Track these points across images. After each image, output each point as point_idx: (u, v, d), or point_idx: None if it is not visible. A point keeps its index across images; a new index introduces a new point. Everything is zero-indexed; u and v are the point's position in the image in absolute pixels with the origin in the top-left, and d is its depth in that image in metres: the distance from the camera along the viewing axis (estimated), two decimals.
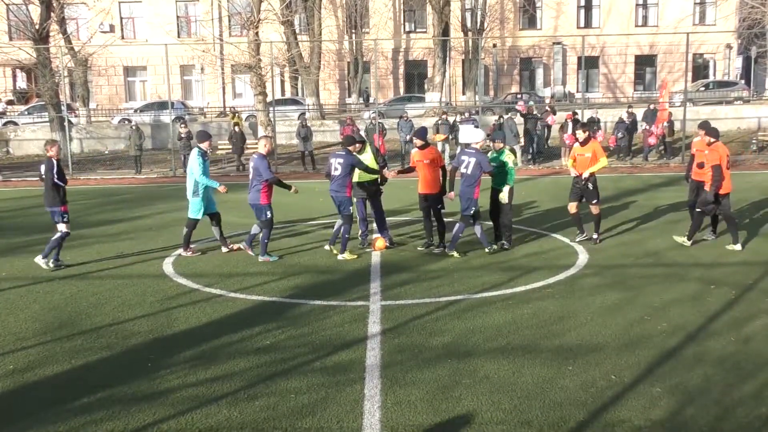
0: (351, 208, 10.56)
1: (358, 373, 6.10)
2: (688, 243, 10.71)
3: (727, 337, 6.83)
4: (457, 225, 10.41)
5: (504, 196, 10.57)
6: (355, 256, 10.36)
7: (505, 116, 24.32)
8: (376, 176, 10.94)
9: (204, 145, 10.70)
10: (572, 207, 11.15)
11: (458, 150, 10.49)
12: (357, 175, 10.77)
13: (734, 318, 7.39)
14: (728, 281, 8.74)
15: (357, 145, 10.82)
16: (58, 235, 10.11)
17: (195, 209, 10.76)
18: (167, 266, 10.12)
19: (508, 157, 10.60)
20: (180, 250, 10.91)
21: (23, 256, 11.02)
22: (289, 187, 10.76)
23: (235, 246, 11.03)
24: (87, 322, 7.66)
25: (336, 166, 10.40)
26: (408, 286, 8.82)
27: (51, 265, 10.07)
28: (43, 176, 10.15)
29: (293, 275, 9.51)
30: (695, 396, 5.54)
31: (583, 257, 10.16)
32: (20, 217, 15.60)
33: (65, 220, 10.12)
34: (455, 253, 10.32)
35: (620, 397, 5.54)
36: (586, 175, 10.79)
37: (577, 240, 11.13)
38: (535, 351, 6.54)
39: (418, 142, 10.93)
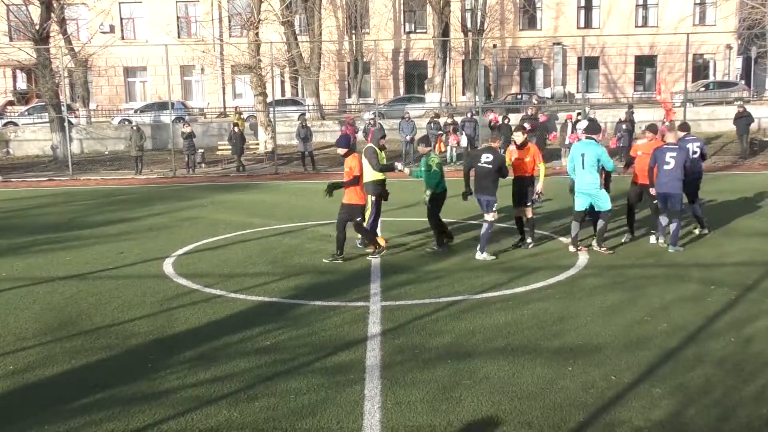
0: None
1: (359, 373, 6.09)
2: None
3: (727, 337, 6.82)
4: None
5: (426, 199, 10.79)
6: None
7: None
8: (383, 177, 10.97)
9: (597, 137, 10.60)
10: (518, 211, 10.98)
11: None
12: (371, 175, 10.79)
13: (735, 318, 7.38)
14: (728, 282, 8.73)
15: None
16: (486, 226, 10.20)
17: (608, 199, 10.39)
18: (167, 267, 10.12)
19: (432, 161, 10.76)
20: (594, 246, 10.53)
21: (23, 256, 11.03)
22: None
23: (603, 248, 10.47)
24: (87, 322, 7.66)
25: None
26: (408, 287, 8.82)
27: (490, 257, 10.14)
28: (489, 165, 10.12)
29: (293, 276, 9.51)
30: (696, 397, 5.54)
31: (583, 258, 10.15)
32: (20, 218, 15.62)
33: (494, 210, 10.20)
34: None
35: (621, 397, 5.53)
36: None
37: (522, 246, 10.88)
38: (536, 352, 6.54)
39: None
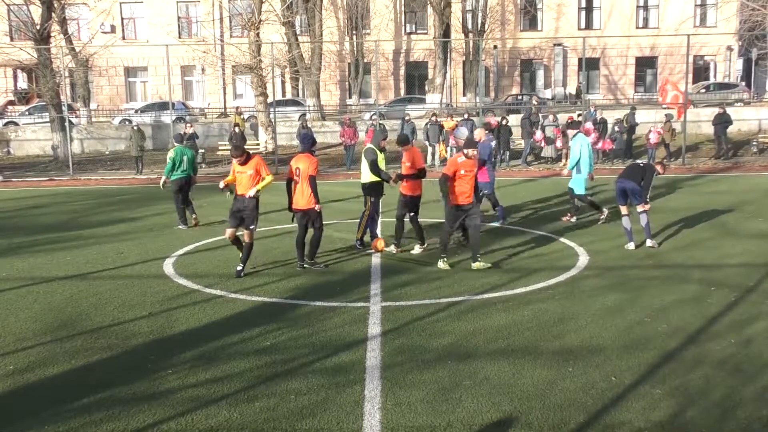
0: None
1: (359, 374, 6.09)
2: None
3: (727, 339, 6.82)
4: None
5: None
6: None
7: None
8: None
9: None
10: (229, 233, 9.78)
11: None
12: (369, 176, 10.79)
13: (735, 320, 7.38)
14: (728, 283, 8.73)
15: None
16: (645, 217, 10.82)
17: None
18: (168, 267, 10.12)
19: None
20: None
21: (24, 256, 11.03)
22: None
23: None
24: (87, 322, 7.66)
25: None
26: (408, 288, 8.82)
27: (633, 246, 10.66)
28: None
29: (294, 276, 9.51)
30: (696, 398, 5.54)
31: (583, 259, 10.16)
32: (20, 218, 15.61)
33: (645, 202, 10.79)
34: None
35: (621, 398, 5.54)
36: (251, 193, 9.43)
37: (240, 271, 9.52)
38: (536, 352, 6.54)
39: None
